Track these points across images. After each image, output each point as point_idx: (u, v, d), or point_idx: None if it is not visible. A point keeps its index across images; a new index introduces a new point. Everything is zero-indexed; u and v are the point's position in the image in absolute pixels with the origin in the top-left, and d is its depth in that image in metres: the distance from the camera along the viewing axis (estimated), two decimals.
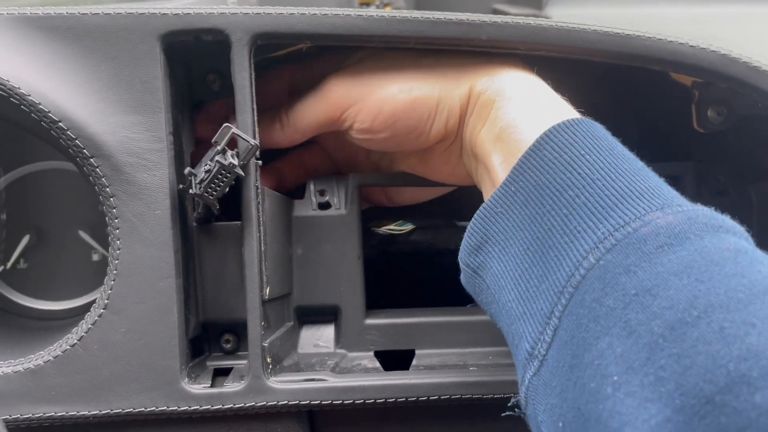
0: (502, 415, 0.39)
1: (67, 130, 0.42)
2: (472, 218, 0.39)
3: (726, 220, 0.33)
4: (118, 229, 0.43)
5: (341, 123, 0.45)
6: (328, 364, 0.47)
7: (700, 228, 0.31)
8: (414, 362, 0.48)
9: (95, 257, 0.54)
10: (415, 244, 0.56)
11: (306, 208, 0.50)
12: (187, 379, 0.43)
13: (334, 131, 0.47)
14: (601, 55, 0.44)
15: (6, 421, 0.42)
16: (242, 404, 0.43)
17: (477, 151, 0.42)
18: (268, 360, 0.44)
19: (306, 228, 0.49)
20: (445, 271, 0.48)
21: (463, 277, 0.41)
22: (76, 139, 0.42)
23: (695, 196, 0.52)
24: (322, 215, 0.49)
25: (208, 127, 0.47)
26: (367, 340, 0.49)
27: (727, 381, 0.25)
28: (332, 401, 0.44)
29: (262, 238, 0.44)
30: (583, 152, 0.35)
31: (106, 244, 0.54)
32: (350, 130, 0.45)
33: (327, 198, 0.50)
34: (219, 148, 0.41)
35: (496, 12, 0.95)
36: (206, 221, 0.46)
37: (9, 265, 0.54)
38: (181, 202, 0.45)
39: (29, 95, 0.41)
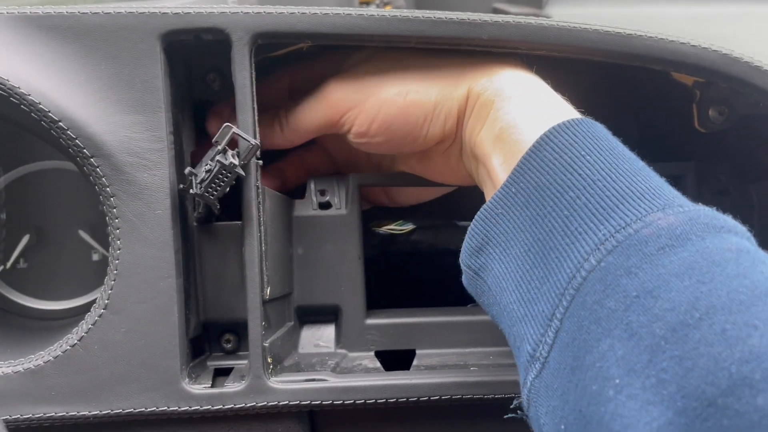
0: (505, 417, 0.39)
1: (67, 129, 0.41)
2: (473, 219, 0.39)
3: (728, 220, 0.33)
4: (118, 229, 0.42)
5: (340, 126, 0.45)
6: (329, 364, 0.47)
7: (702, 228, 0.31)
8: (415, 362, 0.48)
9: (95, 257, 0.54)
10: (415, 244, 0.56)
11: (306, 208, 0.49)
12: (187, 379, 0.43)
13: (334, 133, 0.47)
14: (602, 55, 0.43)
15: (6, 422, 0.42)
16: (243, 404, 0.43)
17: (477, 152, 0.42)
18: (269, 360, 0.44)
19: (306, 228, 0.49)
20: (445, 271, 0.48)
21: (464, 279, 0.41)
22: (76, 138, 0.42)
23: (696, 196, 0.52)
24: (323, 215, 0.49)
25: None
26: (367, 340, 0.49)
27: (730, 383, 0.25)
28: (333, 401, 0.44)
29: (262, 238, 0.43)
30: (583, 153, 0.35)
31: (106, 244, 0.54)
32: (348, 134, 0.45)
33: (327, 198, 0.49)
34: (220, 147, 0.40)
35: (496, 11, 0.95)
36: (207, 221, 0.46)
37: (9, 264, 0.54)
38: (181, 201, 0.44)
39: (29, 95, 0.41)
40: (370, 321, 0.50)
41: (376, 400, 0.44)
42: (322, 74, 0.46)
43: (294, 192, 0.51)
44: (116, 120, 0.42)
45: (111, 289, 0.43)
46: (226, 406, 0.43)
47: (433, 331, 0.49)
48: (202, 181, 0.41)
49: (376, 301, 0.51)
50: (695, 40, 0.43)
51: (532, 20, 0.43)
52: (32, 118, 0.41)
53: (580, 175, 0.34)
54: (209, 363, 0.47)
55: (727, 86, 0.44)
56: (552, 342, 0.33)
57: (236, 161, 0.41)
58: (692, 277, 0.29)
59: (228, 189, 0.41)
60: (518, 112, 0.39)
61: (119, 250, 0.42)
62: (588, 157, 0.35)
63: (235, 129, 0.41)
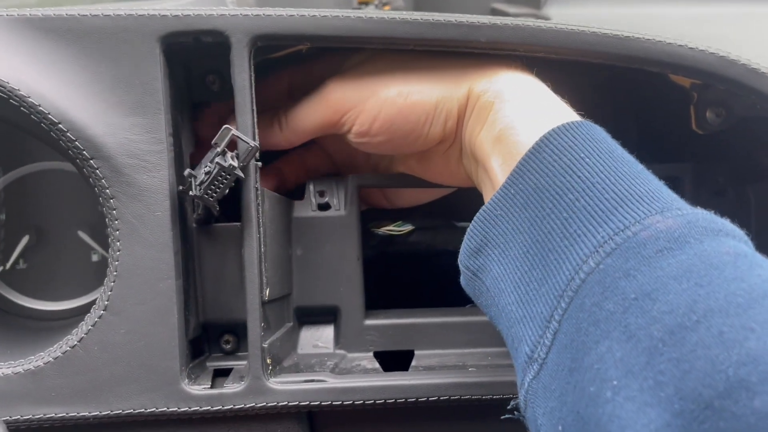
0: (502, 417, 0.39)
1: (67, 131, 0.42)
2: (472, 221, 0.39)
3: (726, 223, 0.33)
4: (118, 230, 0.43)
5: (340, 126, 0.45)
6: (328, 365, 0.47)
7: (700, 232, 0.31)
8: (413, 363, 0.49)
9: (95, 257, 0.54)
10: (414, 245, 0.56)
11: (306, 209, 0.50)
12: (187, 380, 0.43)
13: (333, 133, 0.47)
14: (600, 57, 0.44)
15: (6, 422, 0.42)
16: (242, 405, 0.43)
17: (476, 153, 0.42)
18: (268, 361, 0.44)
19: (306, 229, 0.49)
20: (444, 271, 0.48)
21: (462, 280, 0.41)
22: (76, 140, 0.42)
23: (694, 197, 0.52)
24: (322, 216, 0.49)
25: (213, 129, 0.47)
26: (366, 340, 0.50)
27: (726, 386, 0.25)
28: (332, 402, 0.44)
29: (261, 239, 0.44)
30: (582, 155, 0.35)
31: (105, 245, 0.54)
32: (348, 134, 0.45)
33: (327, 199, 0.50)
34: (219, 149, 0.41)
35: (494, 11, 0.95)
36: (206, 222, 0.46)
37: (8, 265, 0.54)
38: (180, 203, 0.45)
39: (29, 97, 0.41)
40: (368, 322, 0.50)
41: (374, 400, 0.44)
42: (321, 75, 0.46)
43: (293, 193, 0.51)
44: (116, 122, 0.42)
45: (111, 291, 0.43)
46: (225, 407, 0.43)
47: (431, 332, 0.50)
48: (202, 182, 0.41)
49: (374, 302, 0.51)
50: (692, 43, 0.43)
51: (530, 22, 0.43)
52: (32, 120, 0.41)
53: (579, 177, 0.35)
54: (209, 364, 0.47)
55: (724, 88, 0.44)
56: (550, 343, 0.33)
57: (235, 163, 0.41)
58: (690, 280, 0.29)
59: (227, 191, 0.41)
60: (518, 114, 0.39)
61: (119, 251, 0.43)
62: (587, 160, 0.35)
63: (234, 131, 0.41)
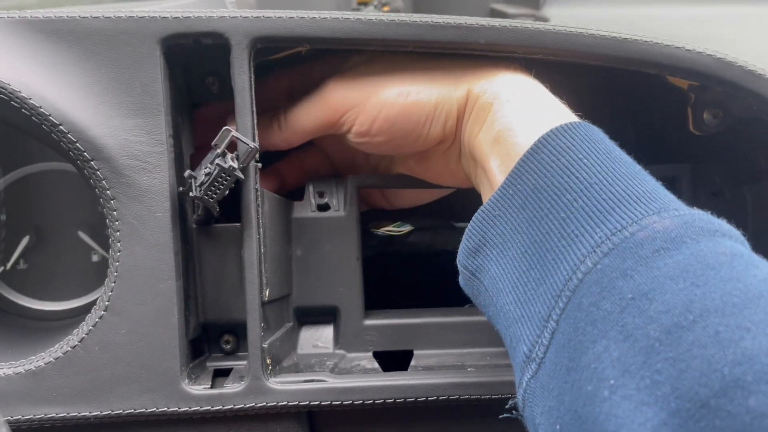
0: (500, 417, 0.39)
1: (68, 133, 0.42)
2: (471, 221, 0.39)
3: (722, 224, 0.33)
4: (118, 231, 0.43)
5: (339, 126, 0.45)
6: (327, 365, 0.48)
7: (697, 232, 0.31)
8: (412, 363, 0.49)
9: (95, 258, 0.55)
10: (413, 245, 0.56)
11: (305, 210, 0.50)
12: (187, 380, 0.44)
13: (332, 133, 0.47)
14: (597, 59, 0.44)
15: (7, 422, 0.42)
16: (242, 405, 0.43)
17: (475, 154, 0.42)
18: (268, 361, 0.44)
19: (305, 229, 0.50)
20: (443, 272, 0.48)
21: (461, 280, 0.41)
22: (76, 142, 0.42)
23: (691, 197, 0.52)
24: (322, 217, 0.50)
25: (205, 131, 0.47)
26: (365, 340, 0.50)
27: (722, 385, 0.25)
28: (331, 402, 0.44)
29: (261, 239, 0.44)
30: (580, 156, 0.36)
31: (105, 245, 0.54)
32: (348, 134, 0.45)
33: (326, 200, 0.50)
34: (219, 151, 0.41)
35: (493, 12, 0.95)
36: (206, 223, 0.47)
37: (9, 265, 0.54)
38: (181, 204, 0.45)
39: (30, 98, 0.41)
40: (368, 322, 0.50)
41: (374, 400, 0.44)
42: (321, 76, 0.46)
43: (293, 194, 0.52)
44: (116, 123, 0.43)
45: (111, 291, 0.43)
46: (225, 407, 0.43)
47: (430, 332, 0.50)
48: (202, 184, 0.41)
49: (374, 302, 0.51)
50: (690, 44, 0.43)
51: (529, 24, 0.43)
52: (33, 121, 0.42)
53: (577, 178, 0.35)
54: (209, 364, 0.47)
55: (721, 90, 0.44)
56: (548, 343, 0.33)
57: (235, 164, 0.41)
58: (687, 280, 0.29)
59: (227, 192, 0.42)
60: (516, 115, 0.40)
61: (119, 252, 0.43)
62: (585, 161, 0.35)
63: (234, 132, 0.41)
